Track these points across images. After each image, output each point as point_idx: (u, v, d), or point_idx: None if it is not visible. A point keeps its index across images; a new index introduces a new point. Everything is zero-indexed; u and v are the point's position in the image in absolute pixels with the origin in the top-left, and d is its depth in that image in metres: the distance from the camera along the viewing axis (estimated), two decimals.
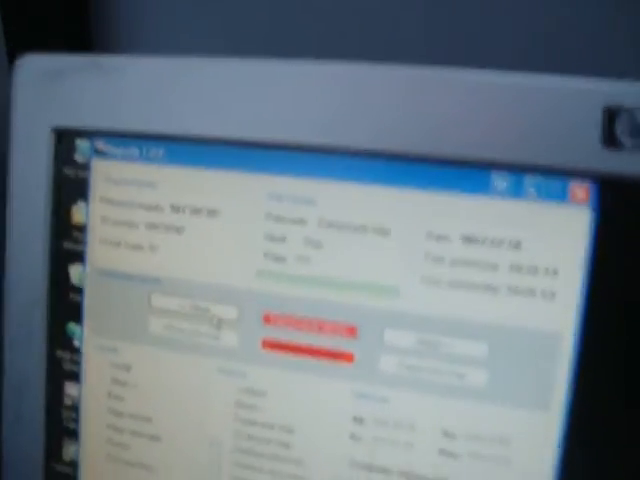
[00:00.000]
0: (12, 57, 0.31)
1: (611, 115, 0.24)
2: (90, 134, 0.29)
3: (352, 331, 0.26)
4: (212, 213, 0.28)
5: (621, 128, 0.24)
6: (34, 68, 0.29)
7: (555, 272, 0.25)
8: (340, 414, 0.27)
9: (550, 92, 0.24)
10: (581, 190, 0.24)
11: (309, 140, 0.26)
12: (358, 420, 0.27)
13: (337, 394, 0.27)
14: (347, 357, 0.27)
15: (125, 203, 0.29)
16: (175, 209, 0.28)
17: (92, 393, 0.30)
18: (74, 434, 0.31)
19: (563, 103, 0.24)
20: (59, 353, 0.30)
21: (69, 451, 0.31)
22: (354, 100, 0.26)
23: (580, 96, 0.24)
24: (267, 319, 0.27)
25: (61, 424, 0.31)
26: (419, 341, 0.26)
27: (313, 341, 0.27)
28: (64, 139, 0.29)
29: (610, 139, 0.24)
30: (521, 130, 0.25)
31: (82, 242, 0.30)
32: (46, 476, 0.31)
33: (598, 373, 0.25)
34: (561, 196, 0.25)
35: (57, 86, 0.29)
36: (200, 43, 0.35)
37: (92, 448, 0.30)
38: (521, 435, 0.26)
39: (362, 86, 0.26)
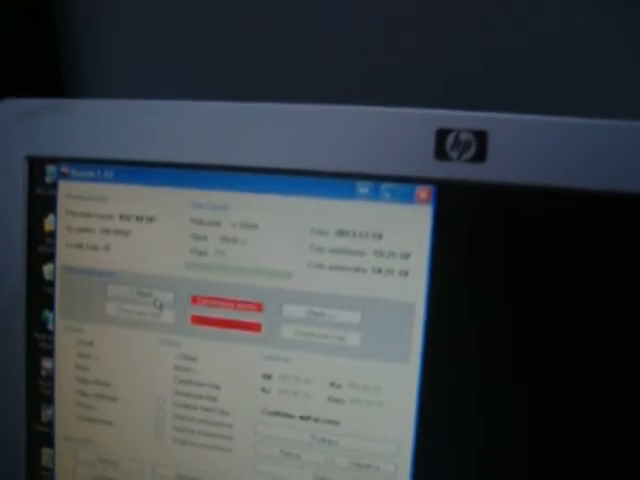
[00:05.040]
0: None
1: (442, 135, 0.32)
2: (56, 161, 0.37)
3: (259, 307, 0.34)
4: (150, 219, 0.35)
5: (449, 145, 0.32)
6: (12, 110, 0.37)
7: (408, 256, 0.33)
8: (253, 372, 0.35)
9: (397, 119, 0.32)
10: (424, 193, 0.32)
11: (221, 162, 0.34)
12: (267, 376, 0.35)
13: (250, 357, 0.35)
14: (256, 327, 0.34)
15: (84, 214, 0.37)
16: (123, 217, 0.36)
17: (63, 366, 0.38)
18: (50, 399, 0.38)
19: (408, 127, 0.32)
20: (36, 335, 0.38)
21: (46, 414, 0.38)
22: (253, 132, 0.34)
23: (419, 121, 0.32)
24: (194, 300, 0.35)
25: (39, 392, 0.38)
26: (309, 313, 0.34)
27: (230, 316, 0.35)
28: (35, 165, 0.37)
29: (442, 153, 0.32)
30: (377, 150, 0.32)
31: (52, 246, 0.37)
32: (28, 435, 0.39)
33: (444, 332, 0.33)
34: (409, 198, 0.32)
35: (30, 123, 0.37)
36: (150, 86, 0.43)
37: (65, 410, 0.38)
38: (390, 383, 0.33)
39: (258, 121, 0.34)
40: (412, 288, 0.33)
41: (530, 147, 0.31)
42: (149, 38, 0.41)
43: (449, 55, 0.37)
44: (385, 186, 0.33)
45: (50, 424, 0.38)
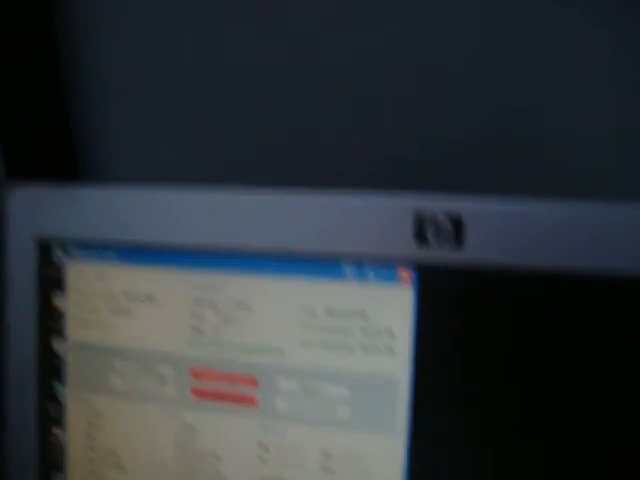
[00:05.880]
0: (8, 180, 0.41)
1: (419, 220, 0.34)
2: (63, 243, 0.39)
3: (254, 382, 0.36)
4: (153, 298, 0.38)
5: (426, 229, 0.34)
6: (24, 196, 0.40)
7: (392, 334, 0.35)
8: (250, 442, 0.37)
9: (378, 204, 0.34)
10: (405, 274, 0.34)
11: (217, 245, 0.36)
12: (263, 447, 0.37)
13: (247, 428, 0.37)
14: (252, 401, 0.37)
15: (91, 292, 0.39)
16: (126, 296, 0.38)
17: (73, 434, 0.40)
18: (60, 467, 0.41)
19: (387, 212, 0.34)
20: (47, 405, 0.40)
21: None
22: (246, 216, 0.36)
23: (398, 206, 0.34)
24: (195, 374, 0.37)
25: (50, 458, 0.41)
26: (301, 387, 0.36)
27: (227, 389, 0.37)
28: (44, 247, 0.40)
29: (420, 237, 0.34)
30: (361, 233, 0.35)
31: (61, 322, 0.40)
32: None
33: (428, 405, 0.35)
34: (392, 279, 0.35)
35: (39, 208, 0.40)
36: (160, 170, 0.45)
37: (75, 477, 0.40)
38: (378, 452, 0.35)
39: (251, 207, 0.36)
40: (397, 364, 0.35)
41: (505, 231, 0.33)
42: (158, 123, 0.43)
43: (417, 135, 0.39)
44: (369, 267, 0.35)
45: None
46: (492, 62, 0.39)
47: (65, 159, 0.45)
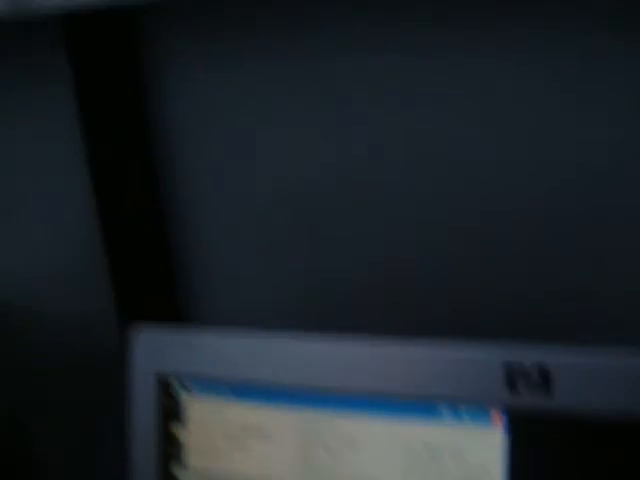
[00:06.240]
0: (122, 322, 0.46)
1: (508, 368, 0.37)
2: (181, 379, 0.44)
3: None
4: (265, 432, 0.42)
5: (515, 377, 0.37)
6: (146, 337, 0.45)
7: (487, 471, 0.38)
8: None
9: (472, 356, 0.38)
10: (497, 418, 0.38)
11: (325, 385, 0.40)
12: None
13: None
14: None
15: (206, 424, 0.43)
16: (240, 429, 0.43)
17: None
18: None
19: (482, 363, 0.38)
20: None
21: None
22: (350, 360, 0.40)
23: (488, 355, 0.38)
24: None
25: None
26: None
27: None
28: (164, 382, 0.44)
29: (510, 384, 0.37)
30: (457, 381, 0.38)
31: (181, 450, 0.44)
32: None
33: None
34: (485, 421, 0.38)
35: (160, 348, 0.44)
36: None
37: None
38: None
39: (355, 352, 0.40)
40: None
41: (594, 380, 0.36)
42: (256, 270, 0.48)
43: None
44: (464, 410, 0.38)
45: None
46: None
47: (171, 302, 0.50)
